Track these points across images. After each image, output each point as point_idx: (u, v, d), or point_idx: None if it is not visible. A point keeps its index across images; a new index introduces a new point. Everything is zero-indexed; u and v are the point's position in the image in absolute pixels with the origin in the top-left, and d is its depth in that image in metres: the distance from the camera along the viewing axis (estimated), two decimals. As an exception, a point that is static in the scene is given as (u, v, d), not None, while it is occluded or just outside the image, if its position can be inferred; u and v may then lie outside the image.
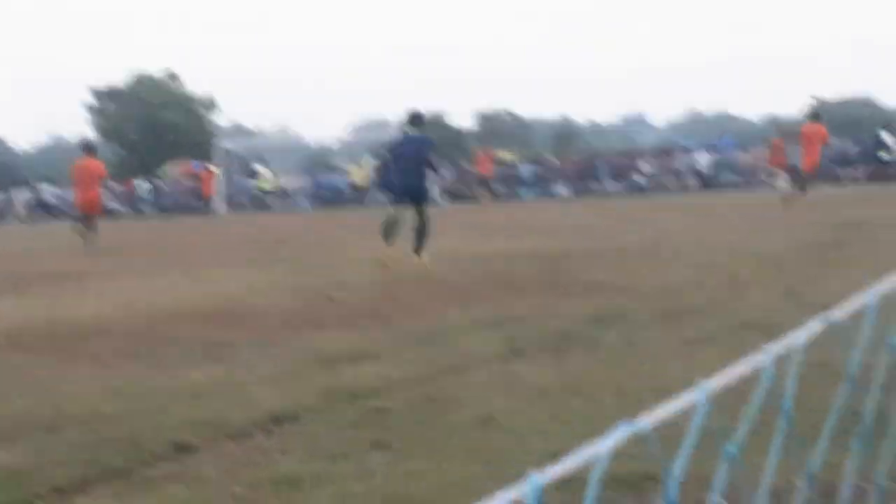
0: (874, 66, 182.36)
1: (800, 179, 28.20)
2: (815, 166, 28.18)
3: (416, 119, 18.21)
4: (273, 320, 10.97)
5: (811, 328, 1.17)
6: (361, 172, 55.83)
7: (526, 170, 56.53)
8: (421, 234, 17.44)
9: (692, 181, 53.12)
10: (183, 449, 6.08)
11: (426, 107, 33.90)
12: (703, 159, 54.05)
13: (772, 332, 6.68)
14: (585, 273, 13.60)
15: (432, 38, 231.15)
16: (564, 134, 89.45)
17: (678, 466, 0.97)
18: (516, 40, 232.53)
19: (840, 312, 1.18)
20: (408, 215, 17.61)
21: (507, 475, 5.27)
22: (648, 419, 0.92)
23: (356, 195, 54.76)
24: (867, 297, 1.25)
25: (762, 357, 1.06)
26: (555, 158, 59.92)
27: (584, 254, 16.25)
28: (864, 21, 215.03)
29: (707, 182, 52.35)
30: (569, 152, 63.75)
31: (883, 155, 47.92)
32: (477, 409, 6.65)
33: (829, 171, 50.54)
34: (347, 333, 9.87)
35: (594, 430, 6.16)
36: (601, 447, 0.88)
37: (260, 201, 58.04)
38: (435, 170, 18.48)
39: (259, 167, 61.10)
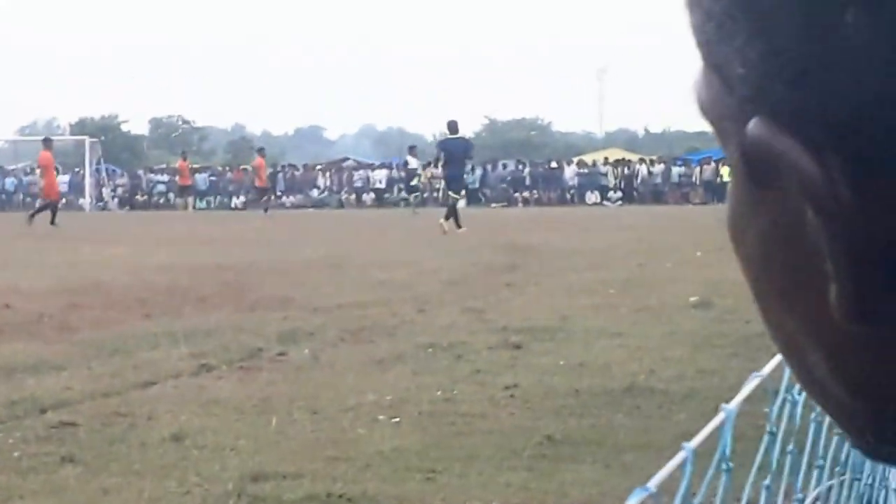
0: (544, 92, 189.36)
1: None
2: None
3: (453, 127, 26.39)
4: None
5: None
6: None
7: (200, 179, 55.88)
8: (453, 208, 25.96)
9: (369, 196, 53.95)
10: None
11: (99, 112, 33.05)
12: (380, 175, 54.94)
13: (458, 351, 6.91)
14: (271, 287, 13.57)
15: (104, 40, 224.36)
16: (238, 144, 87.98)
17: None
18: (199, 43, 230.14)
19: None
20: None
21: (205, 493, 5.31)
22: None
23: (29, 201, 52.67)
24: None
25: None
26: (228, 168, 59.90)
27: (269, 268, 16.24)
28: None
29: (383, 198, 53.24)
30: (243, 163, 62.84)
31: None
32: (169, 426, 6.61)
33: (504, 192, 52.40)
34: (29, 343, 9.56)
35: (289, 447, 6.23)
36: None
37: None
38: (471, 160, 30.92)
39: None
